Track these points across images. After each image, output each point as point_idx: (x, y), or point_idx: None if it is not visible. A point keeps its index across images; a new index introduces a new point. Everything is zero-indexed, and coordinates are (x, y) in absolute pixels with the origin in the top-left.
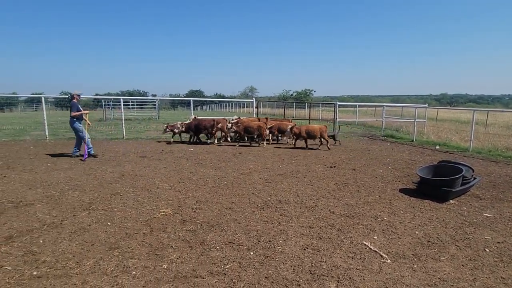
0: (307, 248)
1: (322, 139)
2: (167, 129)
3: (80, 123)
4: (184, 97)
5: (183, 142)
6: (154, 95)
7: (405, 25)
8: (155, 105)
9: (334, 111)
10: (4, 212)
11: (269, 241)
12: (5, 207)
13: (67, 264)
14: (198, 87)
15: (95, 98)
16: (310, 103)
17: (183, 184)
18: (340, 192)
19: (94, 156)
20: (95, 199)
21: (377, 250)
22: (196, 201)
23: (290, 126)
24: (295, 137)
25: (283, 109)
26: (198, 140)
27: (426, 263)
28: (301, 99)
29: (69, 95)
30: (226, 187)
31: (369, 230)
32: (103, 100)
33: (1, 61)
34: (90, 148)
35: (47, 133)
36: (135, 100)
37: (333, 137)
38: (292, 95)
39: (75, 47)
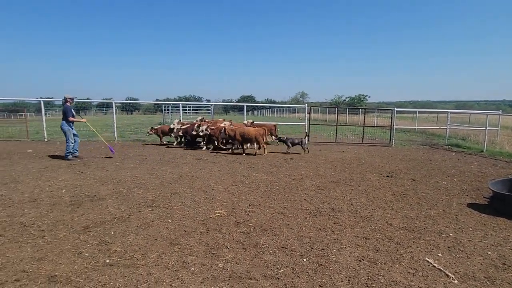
0: (362, 259)
1: (259, 143)
2: (151, 132)
3: (71, 127)
4: (236, 102)
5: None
6: (208, 100)
7: (474, 18)
8: (209, 110)
9: (391, 118)
10: (82, 204)
11: (323, 249)
12: (82, 200)
13: (134, 256)
14: (249, 93)
15: (155, 104)
16: (364, 109)
17: (236, 187)
18: (398, 203)
19: (75, 157)
20: (157, 197)
21: (441, 269)
22: (249, 204)
23: (224, 128)
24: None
25: (336, 115)
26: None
27: None
28: (355, 105)
29: (62, 99)
30: (278, 192)
31: (432, 246)
32: (163, 105)
33: (76, 71)
34: (76, 150)
35: (115, 135)
36: (191, 105)
37: (301, 144)
38: (344, 100)
39: (138, 54)
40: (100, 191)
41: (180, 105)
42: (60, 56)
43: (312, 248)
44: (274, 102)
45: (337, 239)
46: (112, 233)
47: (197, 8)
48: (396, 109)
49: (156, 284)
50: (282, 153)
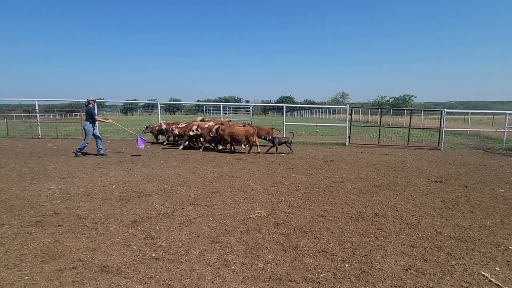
0: (409, 269)
1: (251, 143)
2: (146, 130)
3: (93, 128)
4: (275, 103)
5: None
6: (247, 101)
7: None
8: (247, 110)
9: (440, 119)
10: (130, 200)
11: (365, 255)
12: (130, 196)
13: (178, 251)
14: (288, 93)
15: (196, 104)
16: (410, 109)
17: (275, 188)
18: (449, 211)
19: (82, 154)
20: (199, 195)
21: (500, 284)
22: (289, 206)
23: (216, 127)
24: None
25: (379, 116)
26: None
27: None
28: (399, 106)
29: (86, 100)
30: (318, 194)
31: (488, 259)
32: (204, 106)
33: (123, 74)
34: (100, 149)
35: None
36: (231, 106)
37: (286, 143)
38: (388, 101)
39: (182, 56)
40: (146, 187)
41: (221, 106)
42: (106, 58)
43: (354, 254)
44: (313, 103)
45: (381, 245)
46: (158, 228)
47: (236, 10)
48: (445, 110)
49: (198, 280)
50: (283, 153)
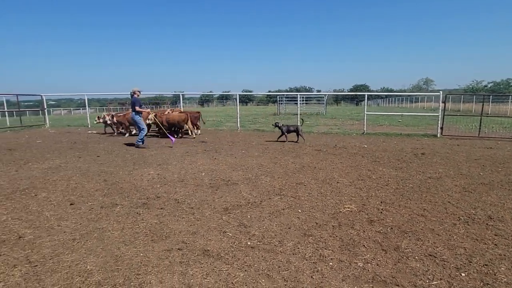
0: None
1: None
2: (101, 120)
3: (140, 117)
4: (348, 92)
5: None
6: (319, 91)
7: None
8: (319, 100)
9: None
10: (219, 188)
11: (485, 265)
12: (219, 184)
13: (272, 242)
14: (363, 81)
15: (268, 95)
16: None
17: (363, 182)
18: None
19: (142, 147)
20: (283, 186)
21: None
22: (381, 202)
23: (153, 115)
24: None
25: (473, 104)
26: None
27: None
28: (501, 91)
29: (131, 91)
30: (413, 190)
31: None
32: (277, 97)
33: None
34: (143, 137)
35: (238, 125)
36: (304, 96)
37: (296, 132)
38: (486, 86)
39: (252, 48)
40: (232, 176)
41: (298, 95)
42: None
43: (470, 262)
44: (391, 91)
45: (504, 255)
46: (249, 217)
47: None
48: None
49: (297, 273)
50: (291, 141)
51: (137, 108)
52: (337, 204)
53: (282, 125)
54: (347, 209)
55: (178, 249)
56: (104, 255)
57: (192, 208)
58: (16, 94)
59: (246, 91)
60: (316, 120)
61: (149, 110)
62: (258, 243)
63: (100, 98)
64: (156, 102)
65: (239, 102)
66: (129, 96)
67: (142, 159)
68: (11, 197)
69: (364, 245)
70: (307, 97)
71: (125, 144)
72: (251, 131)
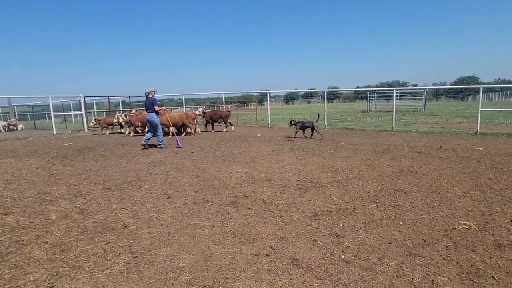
0: None
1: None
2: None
3: (157, 117)
4: (452, 85)
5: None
6: (415, 85)
7: None
8: (414, 96)
9: None
10: (307, 190)
11: None
12: (307, 185)
13: (369, 258)
14: (471, 73)
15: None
16: None
17: (482, 193)
18: None
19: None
20: (379, 192)
21: None
22: (511, 221)
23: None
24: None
25: None
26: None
27: None
28: None
29: (146, 92)
30: None
31: None
32: (367, 92)
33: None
34: (161, 138)
35: (325, 123)
36: (399, 91)
37: (311, 128)
38: None
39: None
40: (321, 178)
41: (394, 91)
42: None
43: None
44: (508, 82)
45: None
46: (341, 225)
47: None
48: None
49: None
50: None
51: (156, 108)
52: (449, 219)
53: (297, 122)
54: (464, 226)
55: (266, 254)
56: (195, 253)
57: (279, 210)
58: (128, 96)
59: (332, 88)
60: (413, 118)
61: (135, 110)
62: (353, 257)
63: (195, 98)
64: (243, 101)
65: (324, 99)
66: (218, 96)
67: (231, 156)
68: (120, 188)
69: (493, 277)
70: (401, 93)
71: (213, 142)
72: (338, 129)
